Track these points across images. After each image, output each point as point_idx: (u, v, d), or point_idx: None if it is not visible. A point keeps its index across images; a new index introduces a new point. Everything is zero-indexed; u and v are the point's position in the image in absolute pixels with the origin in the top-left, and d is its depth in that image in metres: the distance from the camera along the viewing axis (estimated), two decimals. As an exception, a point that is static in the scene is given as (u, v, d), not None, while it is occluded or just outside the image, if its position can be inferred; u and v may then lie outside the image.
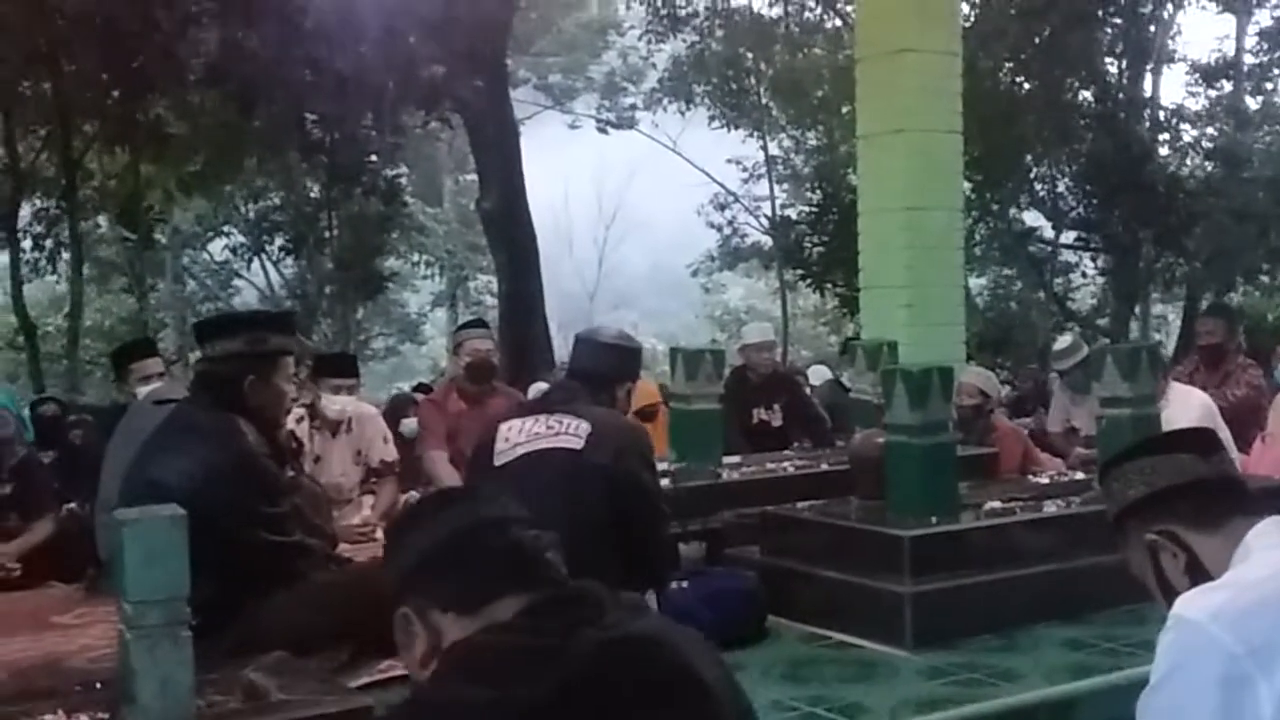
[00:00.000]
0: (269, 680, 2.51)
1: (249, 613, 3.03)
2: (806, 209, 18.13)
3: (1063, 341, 6.87)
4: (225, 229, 18.07)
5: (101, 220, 14.48)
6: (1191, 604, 1.73)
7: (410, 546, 1.62)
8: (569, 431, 3.41)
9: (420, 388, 9.84)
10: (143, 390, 5.12)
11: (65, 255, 12.41)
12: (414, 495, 5.47)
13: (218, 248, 19.09)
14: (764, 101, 19.49)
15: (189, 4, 11.49)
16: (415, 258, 19.35)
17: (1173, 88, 27.21)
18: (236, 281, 19.86)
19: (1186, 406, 5.39)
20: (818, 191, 17.64)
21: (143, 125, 11.85)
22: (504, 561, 1.57)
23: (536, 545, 1.60)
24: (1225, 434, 4.75)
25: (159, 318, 16.47)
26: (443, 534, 1.60)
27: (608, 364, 3.69)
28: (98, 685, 2.66)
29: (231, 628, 2.93)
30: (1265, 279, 16.68)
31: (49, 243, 12.57)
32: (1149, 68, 17.00)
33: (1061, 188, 16.87)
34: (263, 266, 18.17)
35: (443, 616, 1.55)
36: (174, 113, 12.31)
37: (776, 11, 19.10)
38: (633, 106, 22.75)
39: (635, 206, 30.42)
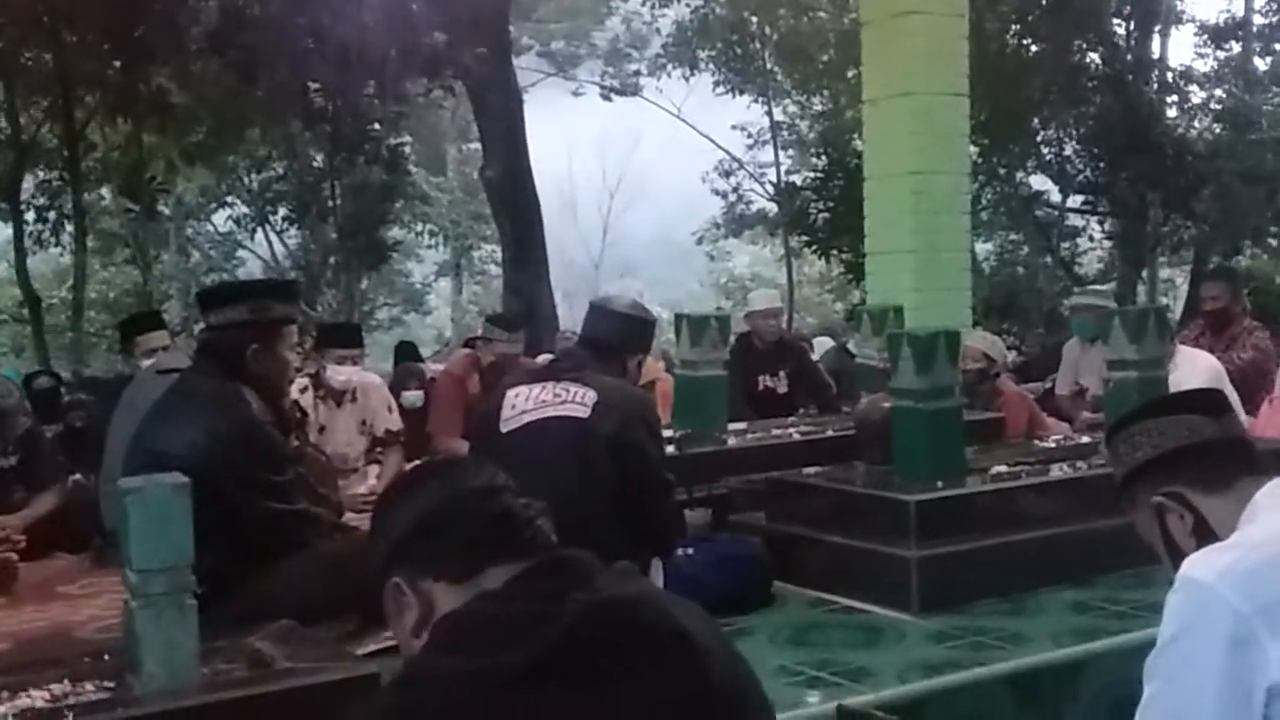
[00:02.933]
0: (275, 648, 2.51)
1: (254, 581, 3.04)
2: (812, 175, 18.01)
3: (1095, 287, 6.99)
4: (228, 199, 18.03)
5: (104, 192, 14.43)
6: (1199, 564, 1.72)
7: (401, 515, 1.61)
8: (575, 400, 3.40)
9: (403, 346, 9.27)
10: (148, 362, 5.12)
11: (68, 227, 12.36)
12: (420, 465, 5.50)
13: (221, 218, 19.05)
14: (769, 66, 19.35)
15: (189, -28, 11.43)
16: (419, 227, 19.29)
17: (1181, 49, 27.04)
18: (240, 252, 19.84)
19: (1194, 370, 5.36)
20: (823, 157, 17.52)
21: (145, 95, 11.78)
22: (495, 528, 1.57)
23: (527, 512, 1.60)
24: (1234, 397, 4.73)
25: (163, 289, 16.45)
26: (433, 501, 1.59)
27: (619, 334, 3.67)
28: (104, 655, 2.66)
29: (237, 596, 2.94)
30: (1273, 241, 16.58)
31: (52, 215, 12.54)
32: (1157, 29, 16.84)
33: (1069, 151, 16.75)
34: (266, 237, 18.14)
35: (434, 585, 1.55)
36: (176, 82, 12.22)
37: (781, -26, 18.93)
38: (637, 73, 22.56)
39: (640, 174, 30.28)
